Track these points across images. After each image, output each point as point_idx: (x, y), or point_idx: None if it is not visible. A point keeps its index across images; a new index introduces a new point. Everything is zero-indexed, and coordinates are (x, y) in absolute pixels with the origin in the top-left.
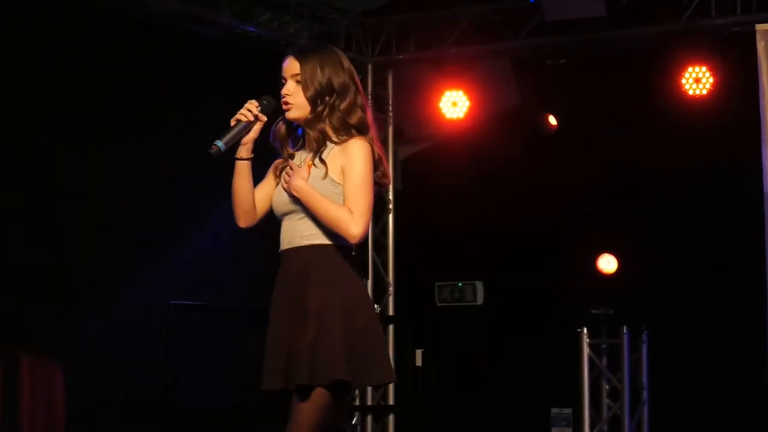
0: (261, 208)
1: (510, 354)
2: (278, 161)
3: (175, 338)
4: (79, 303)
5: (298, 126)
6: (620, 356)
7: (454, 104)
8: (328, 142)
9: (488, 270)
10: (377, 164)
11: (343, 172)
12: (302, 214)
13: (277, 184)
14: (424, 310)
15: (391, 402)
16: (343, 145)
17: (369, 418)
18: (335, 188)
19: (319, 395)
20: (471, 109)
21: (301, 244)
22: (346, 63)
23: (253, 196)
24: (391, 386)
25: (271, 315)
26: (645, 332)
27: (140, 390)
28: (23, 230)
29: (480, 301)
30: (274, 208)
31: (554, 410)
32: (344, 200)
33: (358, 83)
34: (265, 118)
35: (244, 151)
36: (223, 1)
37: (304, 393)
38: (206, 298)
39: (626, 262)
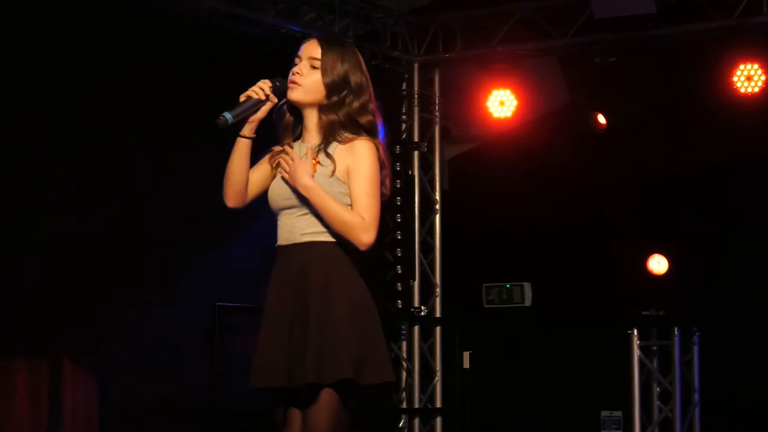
0: (252, 191)
1: (559, 356)
2: (276, 148)
3: (221, 340)
4: (124, 306)
5: (299, 114)
6: (671, 358)
7: (501, 103)
8: (329, 137)
9: (536, 271)
10: (380, 168)
11: (348, 172)
12: (305, 210)
13: (274, 175)
14: (472, 311)
15: (438, 404)
16: (350, 144)
17: (416, 420)
18: (341, 187)
19: (328, 395)
20: (519, 108)
21: (302, 241)
22: (365, 67)
23: (247, 178)
24: (438, 388)
25: (267, 312)
26: (696, 334)
27: (186, 392)
28: (68, 234)
29: (528, 302)
30: (272, 201)
31: (604, 413)
32: (353, 204)
33: (372, 90)
34: (275, 99)
35: (248, 129)
36: (268, 0)
37: (313, 394)
38: (252, 300)
39: (677, 262)
